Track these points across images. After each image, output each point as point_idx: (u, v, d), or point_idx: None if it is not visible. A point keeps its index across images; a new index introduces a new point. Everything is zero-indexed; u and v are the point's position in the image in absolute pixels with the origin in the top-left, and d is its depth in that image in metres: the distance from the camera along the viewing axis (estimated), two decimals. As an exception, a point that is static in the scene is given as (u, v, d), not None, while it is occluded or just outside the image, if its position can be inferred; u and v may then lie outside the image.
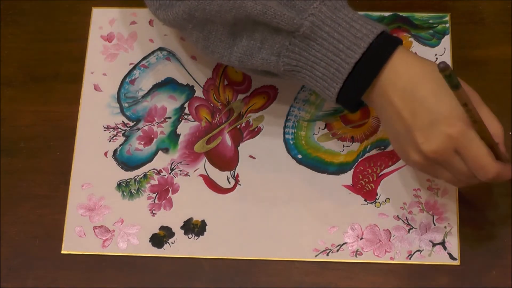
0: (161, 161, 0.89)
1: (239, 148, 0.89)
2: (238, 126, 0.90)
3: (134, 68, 0.93)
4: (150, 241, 0.85)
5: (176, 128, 0.90)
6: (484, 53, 0.92)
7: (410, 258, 0.83)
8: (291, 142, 0.89)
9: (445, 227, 0.85)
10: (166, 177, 0.88)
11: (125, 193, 0.88)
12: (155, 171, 0.88)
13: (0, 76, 0.93)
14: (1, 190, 0.88)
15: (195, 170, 0.88)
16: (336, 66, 0.72)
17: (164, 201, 0.87)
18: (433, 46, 0.92)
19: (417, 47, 0.92)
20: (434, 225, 0.85)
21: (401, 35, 0.93)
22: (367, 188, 0.86)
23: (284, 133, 0.89)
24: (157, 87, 0.92)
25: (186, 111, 0.91)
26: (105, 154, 0.89)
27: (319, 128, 0.90)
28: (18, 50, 0.94)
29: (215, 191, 0.87)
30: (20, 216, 0.87)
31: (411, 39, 0.93)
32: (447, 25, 0.93)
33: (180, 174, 0.88)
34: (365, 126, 0.89)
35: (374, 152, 0.88)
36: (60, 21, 0.96)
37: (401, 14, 0.94)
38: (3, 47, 0.95)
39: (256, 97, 0.91)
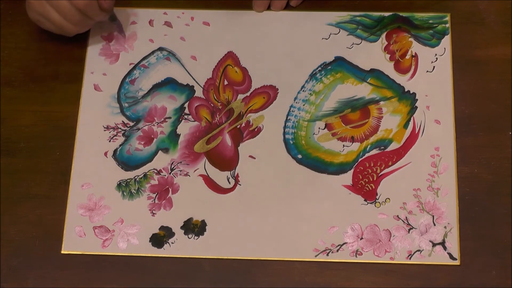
0: (161, 161, 0.89)
1: (239, 148, 0.89)
2: (238, 126, 0.90)
3: (134, 68, 0.93)
4: (150, 241, 0.85)
5: (176, 128, 0.90)
6: (484, 53, 0.92)
7: (410, 258, 0.83)
8: (291, 142, 0.89)
9: (445, 227, 0.85)
10: (166, 177, 0.88)
11: (125, 193, 0.88)
12: (155, 171, 0.88)
13: (0, 76, 0.93)
14: (1, 190, 0.88)
15: (195, 170, 0.88)
16: None
17: (164, 201, 0.87)
18: (433, 46, 0.93)
19: (417, 47, 0.92)
20: (434, 225, 0.85)
21: (401, 35, 0.93)
22: (367, 188, 0.87)
23: (284, 133, 0.89)
24: (157, 87, 0.92)
25: (186, 111, 0.91)
26: (105, 154, 0.89)
27: (319, 128, 0.90)
28: (18, 50, 0.94)
29: (215, 191, 0.87)
30: (20, 216, 0.87)
31: (411, 39, 0.93)
32: (447, 25, 0.93)
33: (180, 174, 0.88)
34: (365, 126, 0.89)
35: (374, 152, 0.88)
36: (60, 21, 0.95)
37: (401, 14, 0.94)
38: (3, 47, 0.95)
39: (256, 97, 0.91)
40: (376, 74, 0.91)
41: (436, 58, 0.92)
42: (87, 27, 0.92)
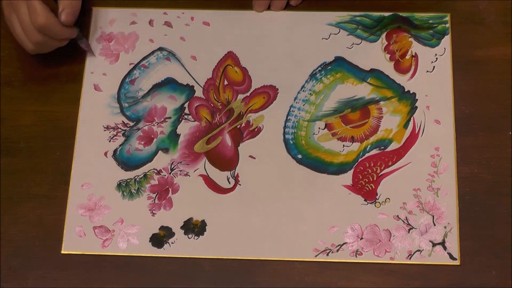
0: (161, 161, 0.89)
1: (239, 148, 0.89)
2: (238, 126, 0.90)
3: (134, 68, 0.93)
4: (150, 241, 0.85)
5: (176, 128, 0.90)
6: (484, 53, 0.92)
7: (410, 258, 0.84)
8: (291, 142, 0.89)
9: (445, 227, 0.85)
10: (166, 177, 0.88)
11: (125, 193, 0.88)
12: (155, 171, 0.88)
13: (0, 76, 0.93)
14: (1, 190, 0.88)
15: (195, 170, 0.88)
16: None
17: (164, 201, 0.87)
18: (433, 46, 0.93)
19: (417, 47, 0.92)
20: (434, 225, 0.85)
21: (401, 35, 0.93)
22: (367, 188, 0.87)
23: (284, 133, 0.89)
24: (157, 87, 0.92)
25: (186, 111, 0.91)
26: (105, 154, 0.89)
27: (319, 128, 0.90)
28: (18, 50, 0.94)
29: (215, 191, 0.87)
30: (20, 216, 0.87)
31: (411, 39, 0.93)
32: (447, 25, 0.93)
33: (180, 174, 0.88)
34: (365, 126, 0.89)
35: (374, 152, 0.88)
36: (60, 21, 0.96)
37: (401, 14, 0.94)
38: (3, 47, 0.95)
39: (256, 97, 0.91)
40: (376, 74, 0.92)
41: (436, 58, 0.92)
42: (51, 48, 0.90)
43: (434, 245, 0.84)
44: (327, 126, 0.90)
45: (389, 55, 0.92)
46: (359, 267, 0.83)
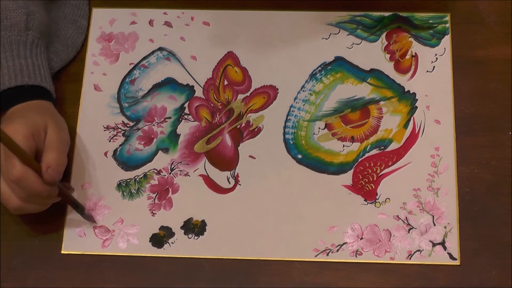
0: (161, 161, 0.89)
1: (239, 148, 0.89)
2: (238, 126, 0.90)
3: (134, 68, 0.93)
4: (150, 241, 0.85)
5: (176, 128, 0.90)
6: (484, 53, 0.92)
7: (410, 258, 0.83)
8: (291, 142, 0.89)
9: (445, 227, 0.85)
10: (166, 177, 0.88)
11: (125, 193, 0.88)
12: (155, 171, 0.88)
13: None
14: (1, 190, 0.88)
15: (195, 170, 0.88)
16: None
17: (164, 201, 0.87)
18: (433, 46, 0.93)
19: (417, 47, 0.92)
20: (434, 225, 0.85)
21: (401, 35, 0.93)
22: (367, 188, 0.87)
23: (284, 133, 0.89)
24: (157, 87, 0.92)
25: (186, 111, 0.91)
26: (105, 154, 0.89)
27: (319, 128, 0.90)
28: (18, 50, 0.94)
29: (215, 191, 0.87)
30: (20, 216, 0.87)
31: (411, 39, 0.93)
32: (447, 25, 0.93)
33: (180, 174, 0.88)
34: (365, 126, 0.89)
35: (374, 152, 0.88)
36: (60, 21, 0.96)
37: (401, 14, 0.94)
38: (3, 47, 0.95)
39: (256, 97, 0.91)
40: (376, 74, 0.92)
41: (436, 58, 0.92)
42: (32, 210, 0.81)
43: (434, 245, 0.84)
44: (327, 126, 0.90)
45: (389, 55, 0.92)
46: (359, 267, 0.83)
